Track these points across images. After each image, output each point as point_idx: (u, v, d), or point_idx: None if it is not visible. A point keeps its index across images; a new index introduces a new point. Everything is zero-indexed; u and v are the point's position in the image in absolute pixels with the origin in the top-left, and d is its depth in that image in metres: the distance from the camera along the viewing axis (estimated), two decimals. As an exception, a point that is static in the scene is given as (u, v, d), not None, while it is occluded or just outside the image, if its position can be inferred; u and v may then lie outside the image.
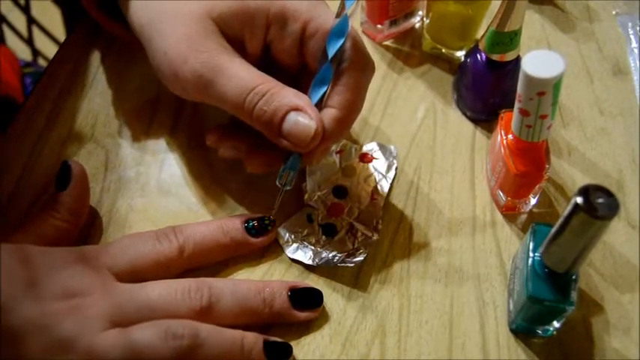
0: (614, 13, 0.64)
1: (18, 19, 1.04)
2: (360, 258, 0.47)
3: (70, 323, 0.40)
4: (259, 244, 0.48)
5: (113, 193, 0.52)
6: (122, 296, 0.42)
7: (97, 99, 0.58)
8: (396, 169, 0.53)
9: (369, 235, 0.49)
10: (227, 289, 0.44)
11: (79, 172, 0.48)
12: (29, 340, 0.39)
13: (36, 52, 1.09)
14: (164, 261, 0.45)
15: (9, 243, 0.43)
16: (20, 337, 0.38)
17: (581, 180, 0.53)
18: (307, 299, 0.45)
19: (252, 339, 0.42)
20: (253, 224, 0.47)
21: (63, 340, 0.39)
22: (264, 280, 0.47)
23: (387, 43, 0.62)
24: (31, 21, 1.07)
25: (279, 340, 0.44)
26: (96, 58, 0.60)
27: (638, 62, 0.60)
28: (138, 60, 0.59)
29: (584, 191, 0.36)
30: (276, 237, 0.49)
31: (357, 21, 0.62)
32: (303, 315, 0.45)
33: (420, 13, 0.61)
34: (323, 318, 0.46)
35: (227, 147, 0.49)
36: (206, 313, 0.42)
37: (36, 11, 1.06)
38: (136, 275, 0.44)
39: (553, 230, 0.39)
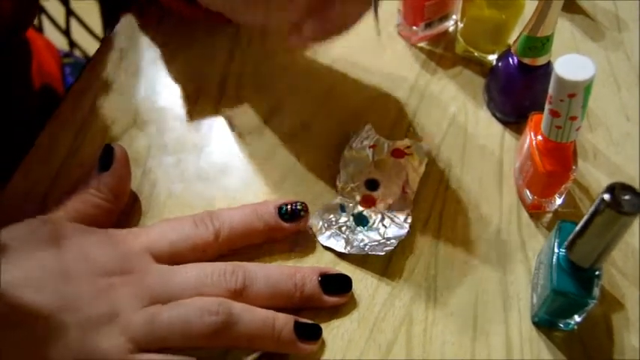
0: (643, 23, 0.65)
1: (57, 10, 1.07)
2: (390, 247, 0.49)
3: (109, 301, 0.42)
4: (292, 229, 0.49)
5: (153, 178, 0.55)
6: (160, 276, 0.44)
7: (140, 87, 0.60)
8: (427, 165, 0.55)
9: (400, 225, 0.51)
10: (260, 273, 0.46)
11: (122, 154, 0.50)
12: (67, 317, 0.40)
13: (72, 44, 1.12)
14: (201, 245, 0.47)
15: (50, 219, 0.46)
16: (57, 315, 0.40)
17: (607, 182, 0.53)
18: (337, 285, 0.47)
19: (284, 319, 0.44)
20: (286, 209, 0.49)
21: (100, 318, 0.41)
22: (296, 266, 0.49)
23: (422, 44, 0.64)
24: (69, 12, 1.10)
25: (309, 321, 0.46)
26: (140, 49, 0.63)
27: (665, 72, 0.61)
28: (180, 52, 0.62)
29: (611, 188, 0.38)
30: (309, 224, 0.51)
31: (392, 23, 0.64)
32: (332, 300, 0.47)
33: (455, 16, 0.63)
34: (352, 303, 0.48)
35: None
36: (240, 295, 0.44)
37: (74, 3, 1.09)
38: (174, 258, 0.46)
39: (579, 225, 0.41)
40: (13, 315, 0.39)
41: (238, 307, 0.43)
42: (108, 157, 0.49)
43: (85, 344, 0.40)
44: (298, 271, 0.47)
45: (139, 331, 0.41)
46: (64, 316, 0.40)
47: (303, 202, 0.50)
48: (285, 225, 0.49)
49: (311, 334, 0.45)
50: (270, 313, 0.44)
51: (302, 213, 0.49)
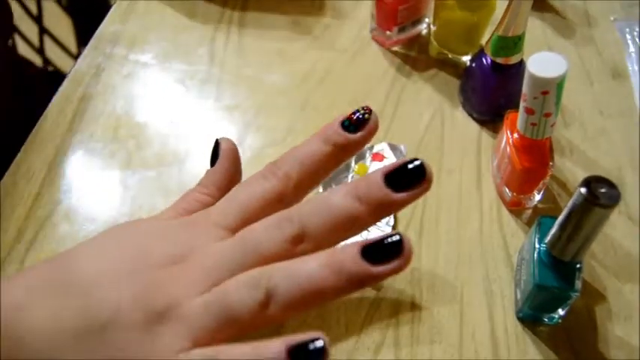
0: (612, 19, 0.66)
1: (30, 29, 1.07)
2: (373, 251, 0.49)
3: (166, 292, 0.37)
4: (364, 139, 0.42)
5: (134, 192, 0.55)
6: (216, 256, 0.39)
7: (118, 103, 0.60)
8: (406, 167, 0.55)
9: (382, 229, 0.51)
10: (315, 204, 0.38)
11: (227, 147, 0.46)
12: (128, 314, 0.37)
13: (47, 62, 1.12)
14: (274, 196, 0.41)
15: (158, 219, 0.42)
16: (120, 310, 0.36)
17: (583, 177, 0.55)
18: (407, 177, 0.37)
19: (348, 250, 0.36)
20: (349, 121, 0.42)
21: (159, 310, 0.37)
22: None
23: (396, 48, 0.65)
24: (42, 30, 1.10)
25: (380, 236, 0.36)
26: (115, 64, 0.63)
27: (635, 66, 0.62)
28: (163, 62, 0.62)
29: (588, 182, 0.39)
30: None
31: (366, 28, 0.65)
32: (407, 195, 0.37)
33: (427, 19, 0.64)
34: (338, 308, 0.49)
35: None
36: (301, 240, 0.38)
37: (47, 20, 1.09)
38: (249, 220, 0.40)
39: (559, 219, 0.42)
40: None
41: (281, 267, 0.36)
42: (215, 151, 0.46)
43: (142, 343, 0.37)
44: (355, 184, 0.38)
45: (195, 322, 0.37)
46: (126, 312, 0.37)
47: (365, 107, 0.42)
48: (354, 137, 0.41)
49: (387, 251, 0.35)
50: (328, 252, 0.36)
51: (366, 116, 0.42)
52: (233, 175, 0.46)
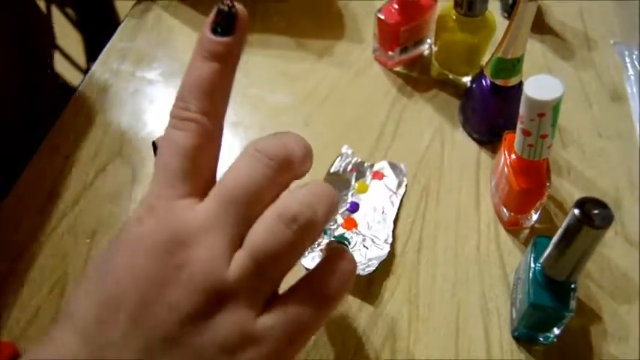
0: (611, 42, 0.67)
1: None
2: (371, 268, 0.50)
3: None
4: (240, 38, 0.37)
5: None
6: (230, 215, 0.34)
7: (124, 119, 0.61)
8: (406, 186, 0.56)
9: (380, 247, 0.52)
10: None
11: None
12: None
13: (56, 76, 1.13)
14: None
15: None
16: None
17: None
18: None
19: None
20: (216, 23, 0.37)
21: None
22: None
23: (398, 69, 0.66)
24: (53, 45, 1.11)
25: None
26: (123, 80, 0.64)
27: (634, 88, 0.63)
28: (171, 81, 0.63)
29: (581, 203, 0.39)
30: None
31: (369, 48, 0.66)
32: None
33: (429, 41, 0.65)
34: (336, 323, 0.49)
35: None
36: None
37: (57, 35, 1.10)
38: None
39: (553, 240, 0.42)
40: None
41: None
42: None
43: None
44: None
45: (237, 290, 0.32)
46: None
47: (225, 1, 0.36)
48: (230, 40, 0.36)
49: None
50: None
51: (232, 10, 0.36)
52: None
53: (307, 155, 0.36)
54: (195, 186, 0.34)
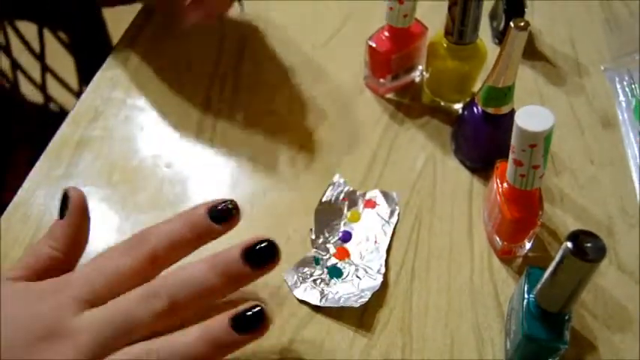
0: (602, 68, 0.68)
1: (32, 66, 1.08)
2: (364, 299, 0.50)
3: None
4: (224, 231, 0.44)
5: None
6: (88, 330, 0.40)
7: (114, 147, 0.61)
8: (398, 214, 0.56)
9: (373, 277, 0.51)
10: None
11: (77, 199, 0.45)
12: None
13: (49, 99, 1.13)
14: (139, 273, 0.42)
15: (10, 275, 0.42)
16: None
17: (573, 225, 0.56)
18: (263, 257, 0.42)
19: (217, 323, 0.40)
20: (215, 209, 0.44)
21: None
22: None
23: (389, 96, 0.66)
24: (45, 68, 1.11)
25: (248, 306, 0.41)
26: (114, 107, 0.64)
27: (625, 115, 0.63)
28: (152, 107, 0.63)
29: (574, 236, 0.39)
30: (285, 279, 0.52)
31: (360, 75, 0.66)
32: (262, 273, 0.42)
33: (420, 68, 0.65)
34: (329, 355, 0.49)
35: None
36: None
37: (50, 58, 1.10)
38: (114, 291, 0.41)
39: (546, 273, 0.42)
40: None
41: (164, 343, 0.39)
42: (63, 203, 0.44)
43: None
44: (215, 259, 0.42)
45: None
46: None
47: (231, 200, 0.44)
48: (218, 227, 0.44)
49: (253, 320, 0.40)
50: (204, 325, 0.40)
51: (231, 207, 0.44)
52: (81, 230, 0.45)
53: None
54: (99, 295, 0.41)
